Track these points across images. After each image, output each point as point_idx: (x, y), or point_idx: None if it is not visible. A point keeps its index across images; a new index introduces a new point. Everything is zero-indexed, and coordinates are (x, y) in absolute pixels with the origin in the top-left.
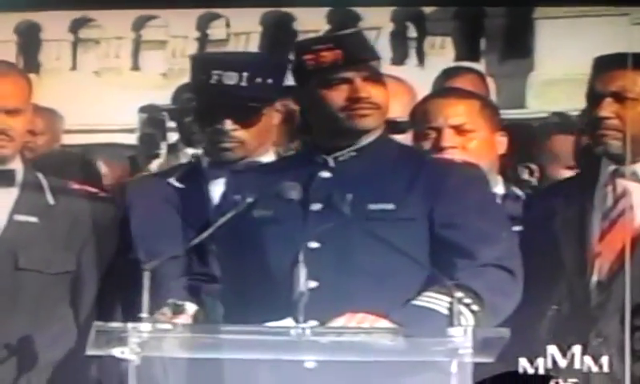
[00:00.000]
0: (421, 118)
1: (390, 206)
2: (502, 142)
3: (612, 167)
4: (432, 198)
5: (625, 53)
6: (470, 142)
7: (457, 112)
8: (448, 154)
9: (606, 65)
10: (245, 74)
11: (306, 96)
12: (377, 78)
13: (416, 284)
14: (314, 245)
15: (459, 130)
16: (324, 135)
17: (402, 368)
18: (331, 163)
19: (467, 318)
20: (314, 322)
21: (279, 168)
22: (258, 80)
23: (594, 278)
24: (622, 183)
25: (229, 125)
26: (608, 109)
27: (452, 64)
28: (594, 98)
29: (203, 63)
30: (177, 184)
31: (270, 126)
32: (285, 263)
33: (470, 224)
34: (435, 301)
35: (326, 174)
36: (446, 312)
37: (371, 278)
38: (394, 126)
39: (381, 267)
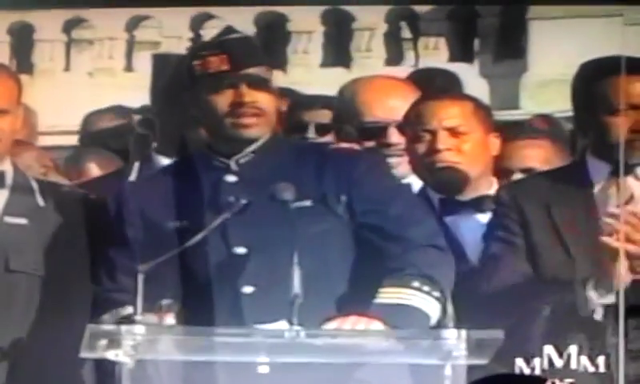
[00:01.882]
0: (414, 120)
1: (308, 203)
2: (495, 143)
3: (608, 167)
4: (344, 187)
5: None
6: (465, 143)
7: (451, 114)
8: (442, 156)
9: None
10: None
11: (194, 101)
12: (263, 84)
13: (347, 276)
14: (240, 250)
15: (453, 131)
16: (215, 140)
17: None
18: (234, 166)
19: (432, 306)
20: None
21: (181, 172)
22: None
23: (615, 280)
24: (630, 185)
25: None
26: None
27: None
28: (606, 103)
29: None
30: (146, 185)
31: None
32: (212, 271)
33: (391, 208)
34: (397, 295)
35: (231, 178)
36: (412, 304)
37: (305, 276)
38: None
39: (311, 264)
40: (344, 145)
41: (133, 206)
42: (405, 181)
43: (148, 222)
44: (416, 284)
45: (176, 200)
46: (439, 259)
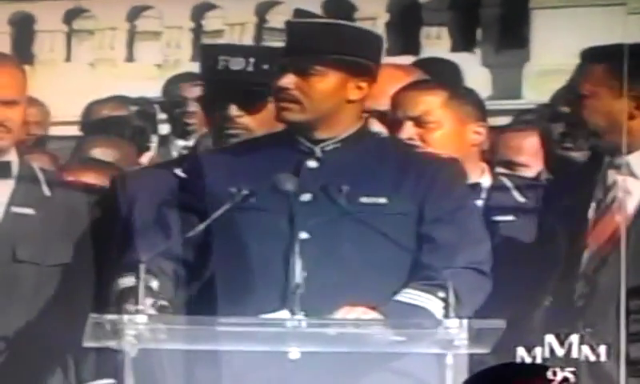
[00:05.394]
0: (390, 110)
1: (383, 200)
2: (479, 133)
3: (607, 159)
4: (422, 194)
5: (603, 45)
6: (431, 133)
7: (416, 103)
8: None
9: (588, 58)
10: (251, 60)
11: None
12: (311, 72)
13: (402, 277)
14: (303, 235)
15: (418, 121)
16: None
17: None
18: (318, 153)
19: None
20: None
21: (260, 149)
22: (265, 66)
23: (582, 269)
24: (612, 175)
25: (234, 111)
26: (572, 104)
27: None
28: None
29: (210, 50)
30: (181, 175)
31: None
32: (274, 254)
33: (456, 224)
34: (419, 298)
35: (313, 164)
36: (430, 309)
37: (360, 269)
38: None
39: (369, 259)
40: (430, 149)
41: (203, 175)
42: None
43: (214, 193)
44: (442, 295)
45: (249, 175)
46: (477, 283)
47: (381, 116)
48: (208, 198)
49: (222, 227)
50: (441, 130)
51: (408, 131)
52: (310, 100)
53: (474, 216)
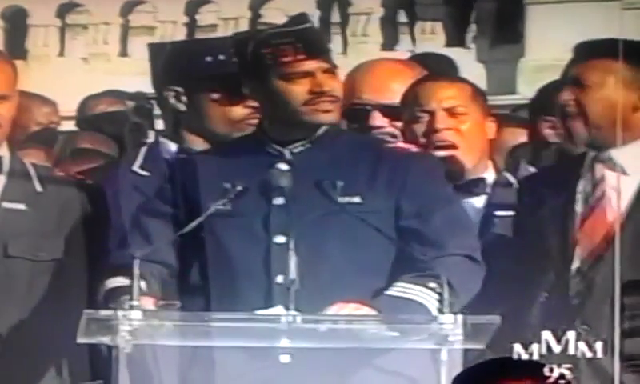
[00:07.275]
0: (412, 101)
1: (357, 199)
2: (491, 128)
3: (592, 154)
4: (397, 189)
5: (594, 40)
6: (463, 124)
7: (449, 95)
8: (441, 135)
9: (581, 53)
10: None
11: (263, 90)
12: (334, 70)
13: (384, 272)
14: (280, 239)
15: (451, 112)
16: (280, 128)
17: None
18: (288, 156)
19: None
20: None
21: (232, 153)
22: None
23: (575, 266)
24: (600, 169)
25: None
26: (566, 96)
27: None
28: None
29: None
30: (141, 172)
31: None
32: (249, 258)
33: (435, 215)
34: (410, 291)
35: (283, 167)
36: (422, 301)
37: (341, 268)
38: (388, 111)
39: (349, 257)
40: (401, 144)
41: (177, 181)
42: None
43: (188, 199)
44: (432, 285)
45: (221, 181)
46: (469, 271)
47: (384, 109)
48: (183, 202)
49: (200, 232)
50: (470, 122)
51: (444, 121)
52: (339, 98)
53: (458, 205)
